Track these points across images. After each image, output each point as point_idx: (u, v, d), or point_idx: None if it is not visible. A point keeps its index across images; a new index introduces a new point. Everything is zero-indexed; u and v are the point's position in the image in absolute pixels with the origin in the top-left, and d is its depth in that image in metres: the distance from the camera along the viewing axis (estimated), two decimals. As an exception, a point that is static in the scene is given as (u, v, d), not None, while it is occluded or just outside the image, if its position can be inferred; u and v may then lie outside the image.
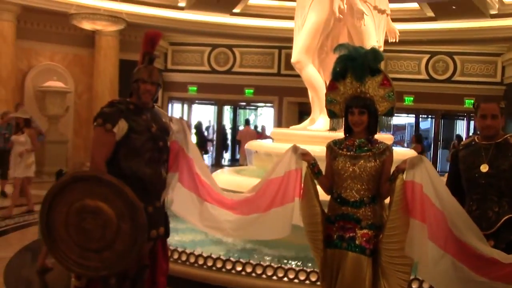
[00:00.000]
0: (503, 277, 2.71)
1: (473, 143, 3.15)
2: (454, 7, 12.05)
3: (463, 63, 16.86)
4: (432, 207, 2.81)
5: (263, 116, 21.24)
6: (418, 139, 11.93)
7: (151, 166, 3.09)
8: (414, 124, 18.76)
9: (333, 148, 3.14)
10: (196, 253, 4.40)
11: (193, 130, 17.21)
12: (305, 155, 3.17)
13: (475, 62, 16.83)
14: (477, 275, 2.75)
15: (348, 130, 3.14)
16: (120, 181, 2.88)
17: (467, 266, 2.77)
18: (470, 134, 17.06)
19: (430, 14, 13.05)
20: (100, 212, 2.83)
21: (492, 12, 12.62)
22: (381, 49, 5.70)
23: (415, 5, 12.96)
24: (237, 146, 18.41)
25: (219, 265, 4.30)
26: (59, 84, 13.16)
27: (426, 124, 19.10)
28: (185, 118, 18.85)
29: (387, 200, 3.03)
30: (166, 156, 3.22)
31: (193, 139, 16.86)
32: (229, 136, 19.40)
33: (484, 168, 2.99)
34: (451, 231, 2.80)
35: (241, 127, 18.19)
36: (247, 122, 15.73)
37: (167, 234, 3.29)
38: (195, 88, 17.99)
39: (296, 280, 4.13)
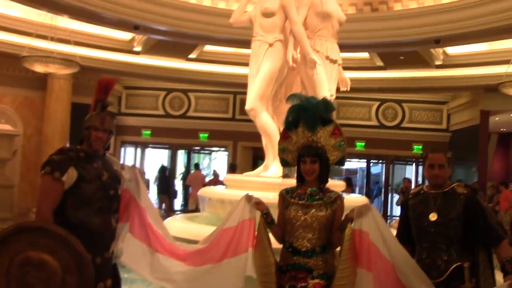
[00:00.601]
0: None
1: (422, 192, 3.23)
2: (402, 57, 12.57)
3: (411, 111, 17.49)
4: (379, 256, 2.84)
5: (217, 160, 21.17)
6: (349, 183, 12.19)
7: (100, 215, 3.00)
8: (365, 168, 19.14)
9: (285, 196, 3.16)
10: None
11: (156, 175, 16.92)
12: (258, 204, 3.17)
13: (422, 110, 17.50)
14: None
15: (300, 179, 3.17)
16: (67, 231, 2.77)
17: None
18: (419, 179, 17.57)
19: (380, 63, 13.56)
20: (44, 265, 2.70)
21: (437, 62, 13.24)
22: (333, 97, 5.87)
23: (365, 55, 13.45)
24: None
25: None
26: (7, 127, 12.75)
27: (377, 168, 19.53)
28: (138, 162, 18.57)
29: (338, 249, 3.04)
30: (116, 205, 3.14)
31: (156, 184, 16.59)
32: (179, 181, 19.05)
33: (433, 217, 3.05)
34: (399, 280, 2.82)
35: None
36: (196, 166, 15.64)
37: (117, 286, 3.17)
38: (149, 132, 17.84)
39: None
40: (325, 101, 3.30)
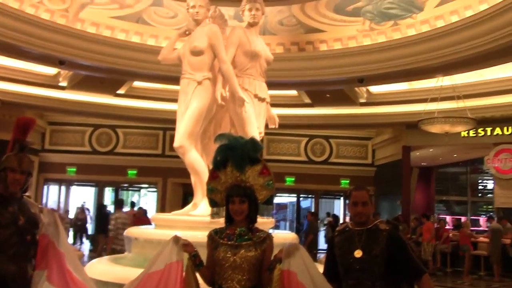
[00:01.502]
0: None
1: (347, 229, 3.29)
2: (328, 95, 13.01)
3: (338, 146, 18.07)
4: None
5: (147, 197, 20.69)
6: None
7: (15, 262, 2.84)
8: (295, 203, 19.39)
9: (214, 237, 3.11)
10: None
11: (92, 213, 16.14)
12: (186, 246, 3.09)
13: (349, 145, 18.12)
14: None
15: (229, 219, 3.14)
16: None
17: None
18: (347, 212, 17.99)
19: (307, 100, 13.95)
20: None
21: (361, 100, 13.83)
22: (262, 134, 5.92)
23: (293, 92, 13.80)
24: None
25: None
26: None
27: (306, 203, 19.86)
28: (62, 200, 17.80)
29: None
30: (33, 251, 2.97)
31: (93, 222, 15.77)
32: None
33: (358, 253, 3.11)
34: None
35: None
36: (132, 204, 15.07)
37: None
38: (74, 169, 17.23)
39: None
40: (253, 141, 3.33)
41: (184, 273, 3.06)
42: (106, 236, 14.94)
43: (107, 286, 4.44)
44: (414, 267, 3.10)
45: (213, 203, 3.27)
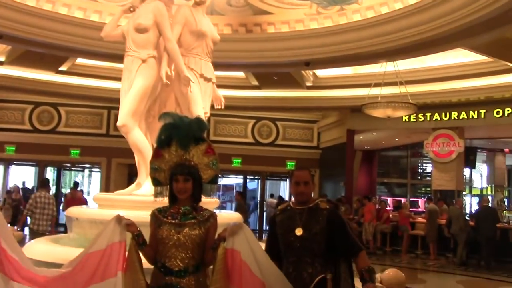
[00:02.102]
0: None
1: (288, 208, 3.35)
2: (275, 78, 13.09)
3: (284, 129, 18.25)
4: (250, 274, 2.90)
5: (91, 178, 20.26)
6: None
7: None
8: (242, 184, 19.52)
9: (157, 216, 3.10)
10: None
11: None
12: (129, 226, 3.06)
13: (295, 128, 18.35)
14: None
15: (172, 198, 3.13)
16: None
17: None
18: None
19: (255, 82, 14.00)
20: None
21: (308, 84, 14.00)
22: (207, 115, 5.91)
23: (241, 74, 13.79)
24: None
25: None
26: None
27: (253, 184, 20.03)
28: (0, 180, 17.14)
29: (211, 268, 3.05)
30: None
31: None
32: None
33: (299, 231, 3.17)
34: None
35: (67, 190, 17.04)
36: (75, 185, 14.64)
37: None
38: (13, 148, 16.58)
39: None
40: (198, 120, 3.32)
41: (126, 253, 3.04)
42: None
43: (47, 266, 4.34)
44: (352, 244, 3.21)
45: (156, 182, 3.25)
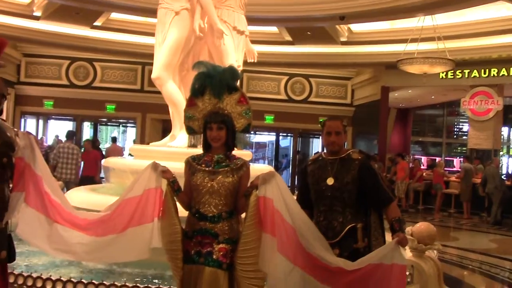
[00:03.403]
0: (347, 285, 2.92)
1: (320, 158, 3.36)
2: (309, 33, 12.87)
3: (318, 85, 18.05)
4: (282, 221, 2.94)
5: (127, 133, 20.63)
6: None
7: (-8, 184, 2.84)
8: (274, 141, 19.57)
9: (191, 163, 3.15)
10: (44, 276, 4.09)
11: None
12: (165, 173, 3.12)
13: (329, 85, 18.12)
14: (323, 284, 2.93)
15: (206, 146, 3.17)
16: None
17: (314, 277, 2.94)
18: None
19: (288, 38, 13.80)
20: None
21: (342, 39, 13.72)
22: (240, 68, 5.90)
23: (274, 29, 13.61)
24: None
25: (69, 288, 4.03)
26: None
27: (286, 142, 20.04)
28: (40, 134, 17.64)
29: (243, 215, 3.10)
30: (10, 174, 2.98)
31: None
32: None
33: (330, 181, 3.19)
34: (301, 244, 2.95)
35: (107, 145, 17.39)
36: (114, 140, 14.93)
37: (11, 258, 3.02)
38: (51, 103, 16.98)
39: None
40: (231, 69, 3.31)
41: (162, 199, 3.11)
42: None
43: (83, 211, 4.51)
44: (383, 194, 3.20)
45: (190, 130, 3.29)
